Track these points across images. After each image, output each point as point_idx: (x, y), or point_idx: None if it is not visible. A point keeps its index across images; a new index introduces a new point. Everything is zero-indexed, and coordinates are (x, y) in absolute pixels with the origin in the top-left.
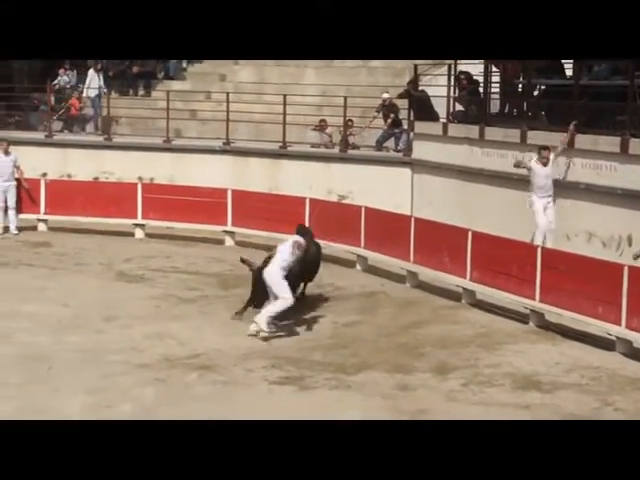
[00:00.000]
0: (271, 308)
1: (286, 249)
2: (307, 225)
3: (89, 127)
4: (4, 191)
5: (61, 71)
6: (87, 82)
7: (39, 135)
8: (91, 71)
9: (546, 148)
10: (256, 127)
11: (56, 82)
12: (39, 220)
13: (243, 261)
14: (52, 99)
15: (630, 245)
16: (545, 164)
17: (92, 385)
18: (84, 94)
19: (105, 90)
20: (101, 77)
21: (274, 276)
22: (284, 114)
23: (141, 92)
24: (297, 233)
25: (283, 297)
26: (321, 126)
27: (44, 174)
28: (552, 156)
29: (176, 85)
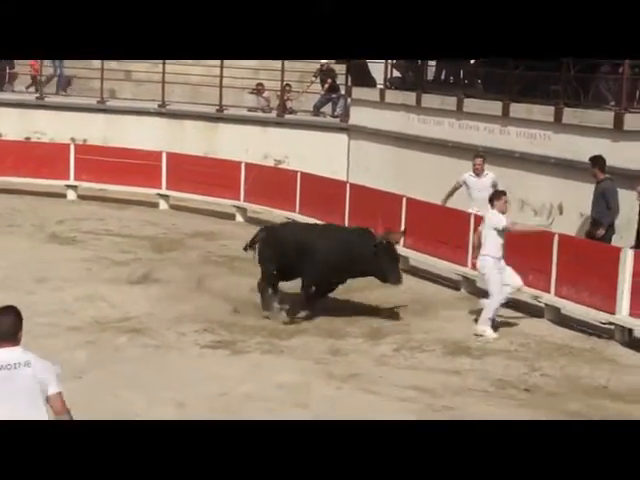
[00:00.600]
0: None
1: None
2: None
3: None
4: None
5: None
6: None
7: None
8: None
9: (479, 156)
10: (192, 89)
11: None
12: None
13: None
14: None
15: (561, 213)
16: (478, 174)
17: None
18: None
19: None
20: None
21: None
22: (221, 77)
23: None
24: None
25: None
26: (258, 90)
27: None
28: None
29: None
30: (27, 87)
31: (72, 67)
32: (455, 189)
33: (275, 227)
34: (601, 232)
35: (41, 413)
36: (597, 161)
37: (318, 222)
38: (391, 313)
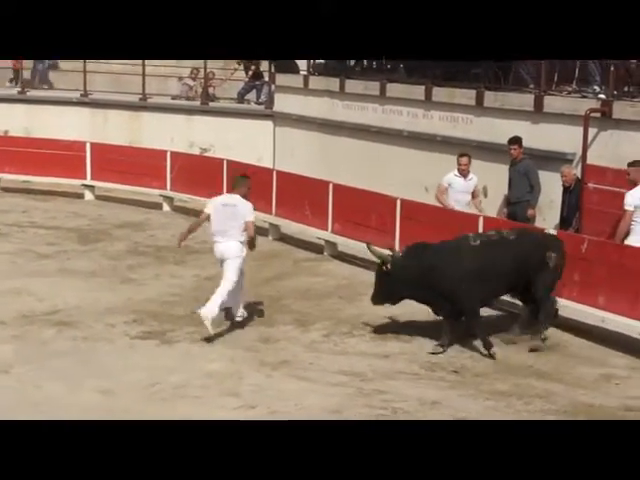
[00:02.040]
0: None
1: None
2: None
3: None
4: None
5: None
6: None
7: None
8: None
9: (464, 155)
10: (115, 78)
11: None
12: None
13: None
14: None
15: (486, 196)
16: (464, 175)
17: None
18: None
19: None
20: None
21: None
22: (143, 65)
23: None
24: None
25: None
26: (194, 76)
27: None
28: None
29: None
30: (10, 80)
31: None
32: (442, 193)
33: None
34: (532, 212)
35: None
36: (518, 140)
37: None
38: (320, 299)
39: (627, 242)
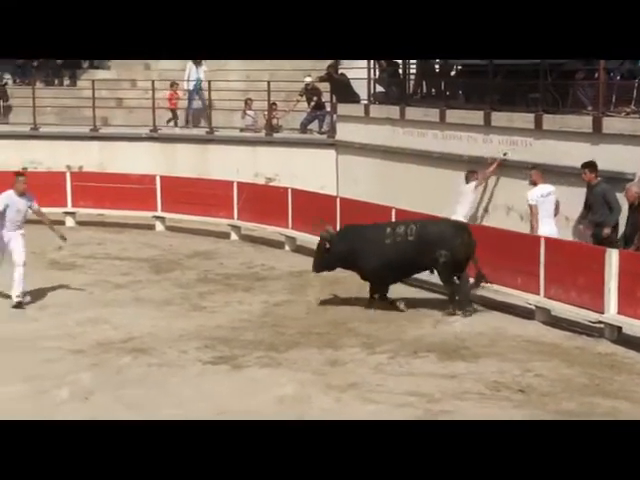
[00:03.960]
0: None
1: None
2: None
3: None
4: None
5: None
6: (186, 74)
7: None
8: (189, 63)
9: (474, 172)
10: (183, 115)
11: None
12: None
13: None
14: None
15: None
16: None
17: (28, 372)
18: (185, 87)
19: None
20: (200, 70)
21: None
22: (209, 100)
23: (66, 82)
24: None
25: None
26: (247, 104)
27: None
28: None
29: (101, 74)
30: (167, 121)
31: (63, 97)
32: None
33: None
34: (607, 232)
35: None
36: (591, 165)
37: None
38: (385, 321)
39: (539, 233)
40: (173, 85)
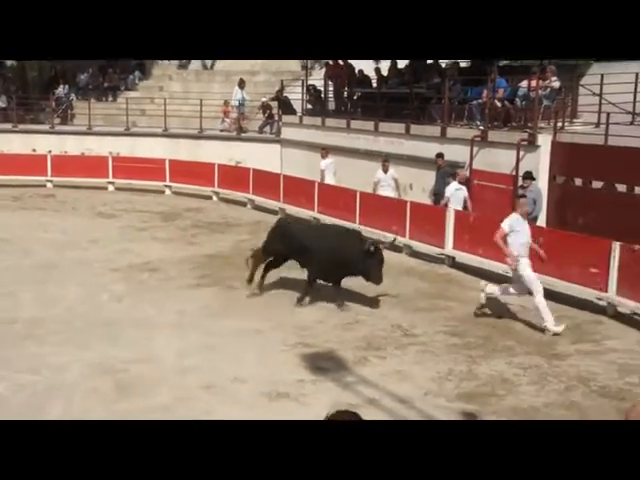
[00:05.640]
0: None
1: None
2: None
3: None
4: None
5: (60, 86)
6: (233, 95)
7: (45, 127)
8: (236, 87)
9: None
10: (183, 120)
11: (56, 93)
12: (47, 181)
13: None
14: (53, 104)
15: (411, 189)
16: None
17: (82, 282)
18: (231, 104)
19: (246, 101)
20: (243, 92)
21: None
22: (200, 111)
23: (110, 99)
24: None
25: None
26: (225, 115)
27: (49, 151)
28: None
29: (132, 94)
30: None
31: (108, 108)
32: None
33: (287, 223)
34: (445, 201)
35: None
36: (441, 156)
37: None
38: None
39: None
40: (226, 102)
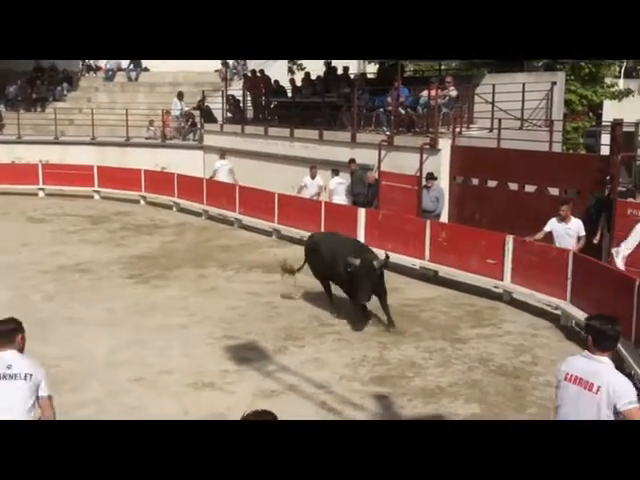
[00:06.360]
0: None
1: None
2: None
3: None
4: None
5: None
6: (172, 105)
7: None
8: (175, 99)
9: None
10: (110, 129)
11: None
12: None
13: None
14: None
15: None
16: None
17: (14, 284)
18: (172, 113)
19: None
20: (182, 103)
21: None
22: (126, 120)
23: (39, 109)
24: None
25: None
26: (150, 124)
27: None
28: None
29: (60, 104)
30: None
31: (37, 119)
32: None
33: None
34: (363, 200)
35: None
36: (353, 161)
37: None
38: (233, 250)
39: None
40: (167, 112)
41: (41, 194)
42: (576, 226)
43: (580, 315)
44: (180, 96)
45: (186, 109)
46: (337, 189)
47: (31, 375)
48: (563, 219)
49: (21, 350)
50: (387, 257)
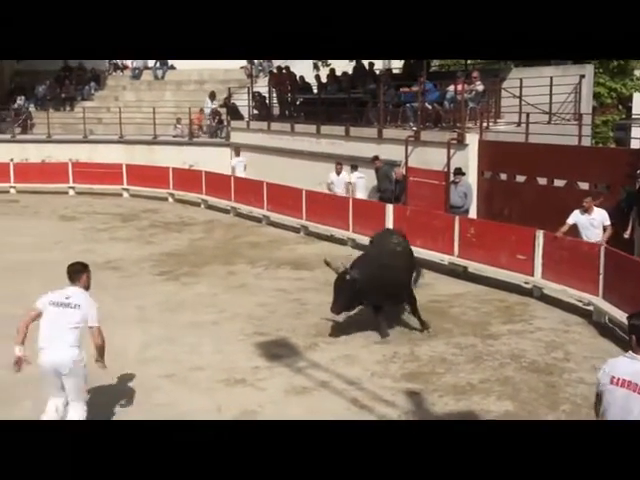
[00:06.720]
0: None
1: None
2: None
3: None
4: None
5: (18, 97)
6: (205, 104)
7: (6, 136)
8: (207, 98)
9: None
10: (138, 127)
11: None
12: (10, 187)
13: (327, 264)
14: (12, 114)
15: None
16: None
17: (46, 281)
18: (205, 112)
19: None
20: (214, 102)
21: None
22: (154, 118)
23: (68, 108)
24: None
25: None
26: (177, 121)
27: (12, 159)
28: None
29: (88, 104)
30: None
31: (67, 117)
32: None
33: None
34: (388, 196)
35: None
36: (377, 157)
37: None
38: (261, 247)
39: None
40: (201, 110)
41: (71, 192)
42: (600, 216)
43: (613, 311)
44: (212, 96)
45: (213, 107)
46: (358, 183)
47: (79, 305)
48: (586, 210)
49: (87, 288)
50: (352, 274)
